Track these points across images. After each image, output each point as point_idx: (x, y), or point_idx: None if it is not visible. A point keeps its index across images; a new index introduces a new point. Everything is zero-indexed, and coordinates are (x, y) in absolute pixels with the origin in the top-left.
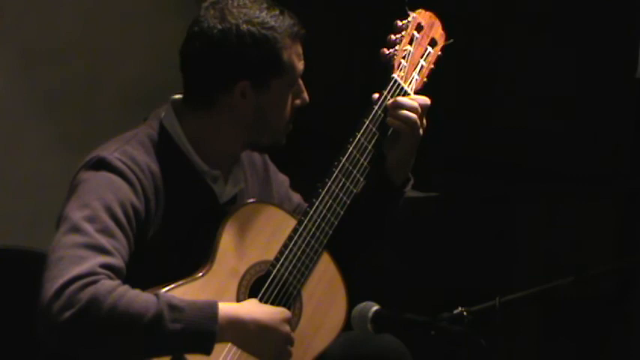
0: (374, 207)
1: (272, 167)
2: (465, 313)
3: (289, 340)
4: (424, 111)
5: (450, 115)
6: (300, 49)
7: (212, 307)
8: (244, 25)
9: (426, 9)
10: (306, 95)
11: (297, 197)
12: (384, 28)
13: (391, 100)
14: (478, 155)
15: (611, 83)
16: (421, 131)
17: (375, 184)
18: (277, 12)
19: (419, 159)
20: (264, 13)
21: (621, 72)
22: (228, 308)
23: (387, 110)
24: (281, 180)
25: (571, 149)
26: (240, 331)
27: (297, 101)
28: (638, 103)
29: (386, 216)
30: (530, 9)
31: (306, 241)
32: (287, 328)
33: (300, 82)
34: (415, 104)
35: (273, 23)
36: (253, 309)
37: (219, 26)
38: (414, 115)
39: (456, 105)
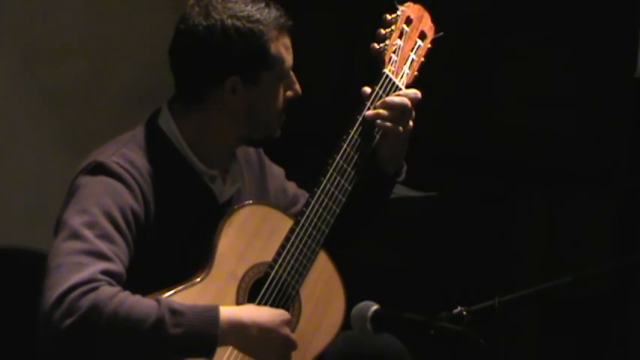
0: (366, 197)
1: (267, 161)
2: (464, 313)
3: (289, 343)
4: (415, 104)
5: (450, 115)
6: (288, 41)
7: (213, 311)
8: (229, 20)
9: (415, 1)
10: (298, 87)
11: (292, 188)
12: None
13: (380, 102)
14: (478, 155)
15: (610, 83)
16: (411, 123)
17: (368, 175)
18: (262, 4)
19: (419, 159)
20: (249, 7)
21: (621, 72)
22: (229, 312)
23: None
24: (276, 173)
25: (571, 149)
26: (242, 335)
27: (289, 93)
28: (637, 103)
29: (377, 205)
30: (531, 8)
31: (303, 241)
32: (287, 330)
33: (292, 74)
34: (406, 101)
35: (258, 16)
36: (254, 312)
37: (205, 23)
38: (406, 112)
39: (456, 105)
